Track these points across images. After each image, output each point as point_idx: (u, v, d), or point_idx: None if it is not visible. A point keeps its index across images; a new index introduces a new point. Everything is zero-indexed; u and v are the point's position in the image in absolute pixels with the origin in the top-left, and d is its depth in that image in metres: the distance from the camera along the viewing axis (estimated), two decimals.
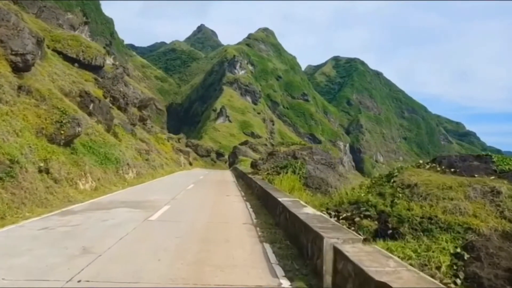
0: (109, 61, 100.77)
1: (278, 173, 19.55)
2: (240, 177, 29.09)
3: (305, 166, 19.55)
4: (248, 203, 13.89)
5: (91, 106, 24.40)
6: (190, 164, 62.82)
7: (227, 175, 36.77)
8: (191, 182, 23.62)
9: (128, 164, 22.49)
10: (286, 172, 18.10)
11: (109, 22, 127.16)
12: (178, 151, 58.55)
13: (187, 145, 78.69)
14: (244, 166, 45.89)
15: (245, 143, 77.97)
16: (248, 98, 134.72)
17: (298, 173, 18.80)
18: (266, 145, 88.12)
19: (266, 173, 20.28)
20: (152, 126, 48.05)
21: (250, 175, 20.87)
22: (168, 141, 61.18)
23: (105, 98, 33.28)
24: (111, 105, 33.75)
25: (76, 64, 33.49)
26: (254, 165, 24.51)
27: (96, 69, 34.77)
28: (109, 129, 25.60)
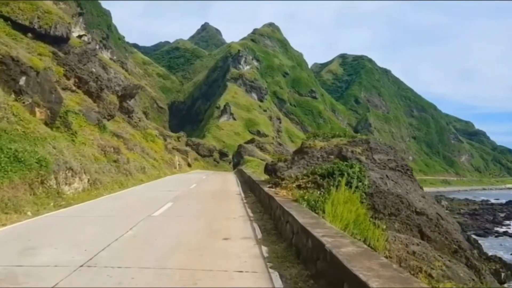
0: (106, 54, 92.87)
1: (318, 186, 10.99)
2: (249, 186, 20.50)
3: (366, 173, 10.96)
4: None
5: (22, 80, 16.00)
6: (189, 165, 54.26)
7: (231, 182, 28.22)
8: (171, 197, 15.06)
9: (71, 169, 14.02)
10: (337, 186, 9.48)
11: (106, 15, 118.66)
12: (173, 150, 50.06)
13: (187, 144, 70.30)
14: (252, 169, 37.38)
15: (251, 141, 69.34)
16: (254, 95, 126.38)
17: (357, 187, 10.21)
18: (272, 143, 79.75)
19: (295, 184, 11.68)
20: (139, 120, 39.64)
21: (267, 188, 12.38)
22: (166, 140, 52.81)
23: (68, 78, 24.94)
24: (76, 88, 25.41)
25: (29, 34, 25.19)
26: (271, 169, 15.51)
27: (57, 41, 26.41)
28: (53, 116, 17.21)
